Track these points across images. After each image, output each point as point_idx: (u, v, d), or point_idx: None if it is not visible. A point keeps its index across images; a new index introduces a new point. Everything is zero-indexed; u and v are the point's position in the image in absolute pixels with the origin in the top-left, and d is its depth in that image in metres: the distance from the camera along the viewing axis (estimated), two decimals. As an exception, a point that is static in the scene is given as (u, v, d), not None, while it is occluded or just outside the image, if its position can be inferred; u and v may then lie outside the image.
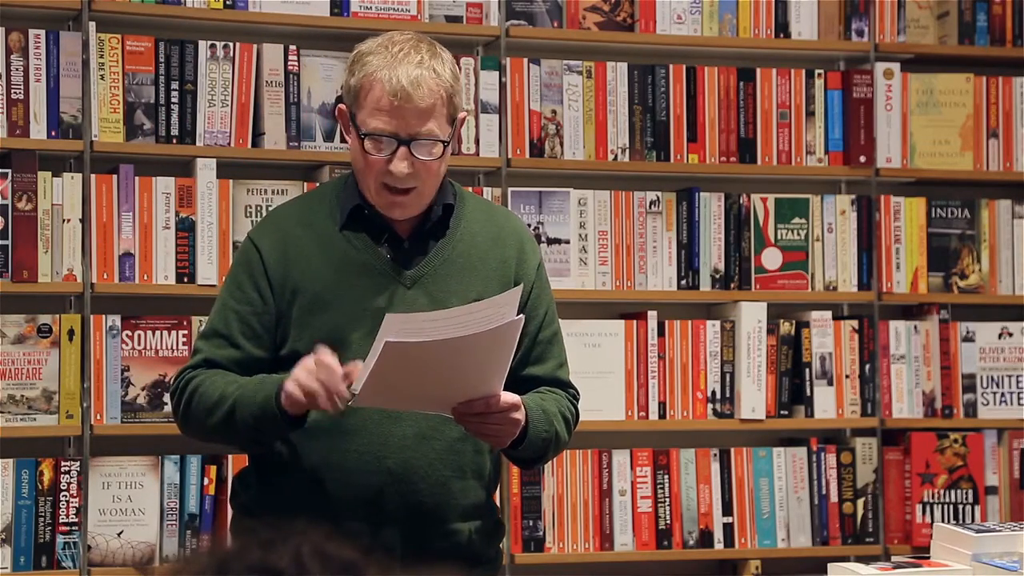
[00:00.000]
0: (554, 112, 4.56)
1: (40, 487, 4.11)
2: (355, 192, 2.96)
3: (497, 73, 4.51)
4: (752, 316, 4.63)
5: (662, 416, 4.57)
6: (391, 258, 2.94)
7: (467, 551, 2.94)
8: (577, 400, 3.07)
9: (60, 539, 4.11)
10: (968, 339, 4.82)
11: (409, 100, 2.84)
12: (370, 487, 2.89)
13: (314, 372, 2.74)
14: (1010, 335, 4.84)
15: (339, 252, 2.94)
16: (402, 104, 2.85)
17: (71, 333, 4.14)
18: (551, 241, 4.52)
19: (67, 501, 4.12)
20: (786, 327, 4.68)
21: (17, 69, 4.16)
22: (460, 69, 4.44)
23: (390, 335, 2.65)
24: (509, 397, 2.80)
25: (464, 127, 4.43)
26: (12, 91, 4.15)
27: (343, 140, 4.39)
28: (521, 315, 2.72)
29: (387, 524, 2.86)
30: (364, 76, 2.88)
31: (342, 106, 2.96)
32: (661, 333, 4.58)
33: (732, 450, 4.64)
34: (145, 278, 4.19)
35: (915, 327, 4.79)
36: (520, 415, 2.82)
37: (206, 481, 4.18)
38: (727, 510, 4.61)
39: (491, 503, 3.04)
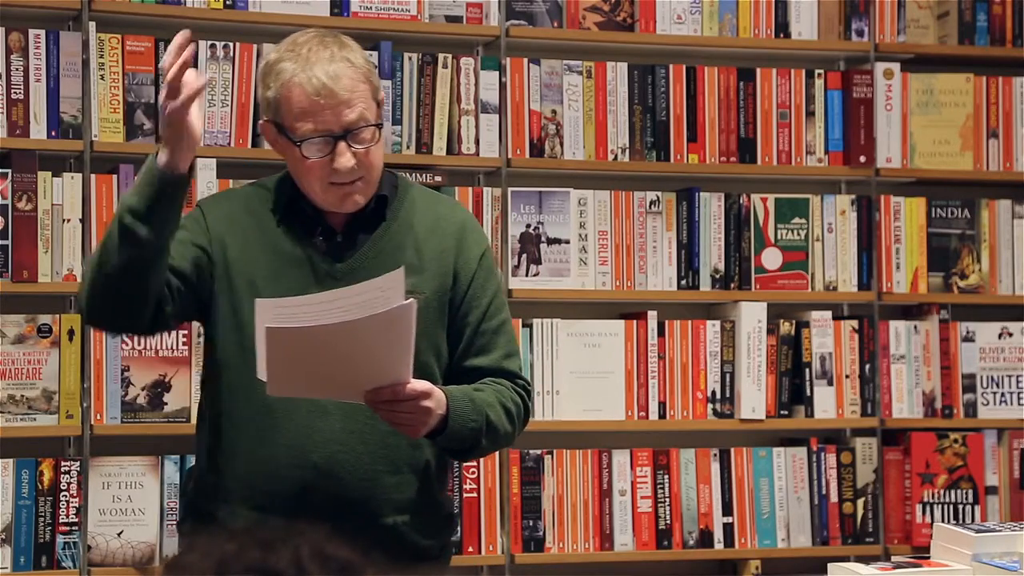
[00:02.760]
0: (554, 112, 4.56)
1: (40, 487, 4.11)
2: (291, 186, 2.96)
3: (497, 73, 4.51)
4: (752, 316, 4.63)
5: (662, 416, 4.57)
6: (325, 251, 2.94)
7: (398, 544, 2.91)
8: (528, 392, 3.03)
9: (60, 539, 4.11)
10: (968, 339, 4.82)
11: (333, 95, 2.84)
12: (297, 481, 2.88)
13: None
14: (1010, 335, 4.84)
15: (276, 244, 2.94)
16: (327, 101, 2.85)
17: (71, 333, 4.14)
18: (551, 241, 4.52)
19: (67, 501, 4.12)
20: (786, 327, 4.68)
21: (17, 69, 4.16)
22: (460, 69, 4.48)
23: (267, 320, 2.64)
24: (419, 385, 2.76)
25: (464, 127, 4.47)
26: (12, 91, 4.15)
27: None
28: (411, 300, 2.67)
29: (315, 519, 2.84)
30: (281, 85, 2.87)
31: (264, 120, 2.94)
32: (661, 333, 4.58)
33: (732, 450, 4.64)
34: (145, 278, 4.19)
35: (915, 327, 4.80)
36: (432, 403, 2.78)
37: (206, 481, 4.18)
38: (727, 510, 4.61)
39: (434, 497, 3.00)
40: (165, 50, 4.22)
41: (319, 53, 2.87)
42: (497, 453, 4.45)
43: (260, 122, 2.99)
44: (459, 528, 4.40)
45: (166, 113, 2.73)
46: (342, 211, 2.93)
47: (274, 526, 1.51)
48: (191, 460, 4.19)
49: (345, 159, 2.86)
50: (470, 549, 4.41)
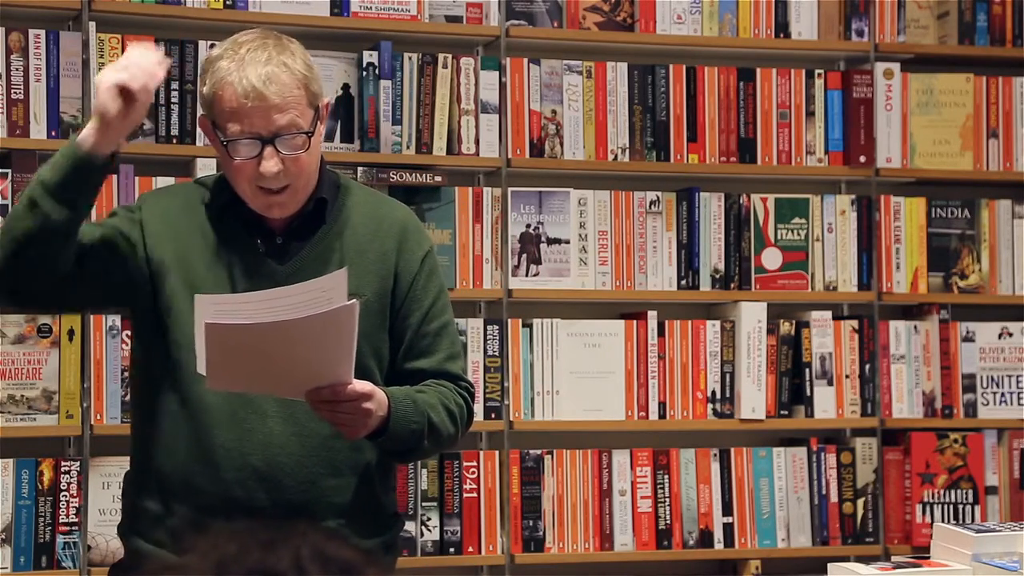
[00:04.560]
0: (554, 112, 4.56)
1: (40, 487, 4.11)
2: (229, 188, 2.93)
3: (497, 73, 4.51)
4: (752, 316, 4.63)
5: (662, 416, 4.57)
6: (264, 254, 2.92)
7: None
8: (471, 394, 3.00)
9: (60, 539, 4.11)
10: (968, 339, 4.82)
11: (263, 98, 2.81)
12: (235, 484, 2.86)
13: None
14: (1010, 335, 4.84)
15: (214, 245, 2.91)
16: (255, 104, 2.81)
17: (71, 333, 4.14)
18: (551, 241, 4.52)
19: (67, 501, 4.12)
20: (786, 327, 4.68)
21: (17, 69, 4.16)
22: (460, 69, 4.48)
23: (207, 316, 2.62)
24: (360, 386, 2.74)
25: (464, 127, 4.47)
26: (12, 91, 4.15)
27: (345, 140, 4.40)
28: (354, 300, 2.65)
29: (253, 521, 2.79)
30: (215, 83, 2.84)
31: (202, 117, 2.92)
32: (661, 333, 4.58)
33: (732, 450, 4.64)
34: (145, 278, 4.18)
35: (915, 327, 4.80)
36: (372, 405, 2.75)
37: (206, 481, 4.18)
38: (727, 510, 4.61)
39: (377, 499, 2.97)
40: (165, 51, 4.25)
41: (256, 55, 2.83)
42: (496, 453, 4.45)
43: (199, 116, 2.96)
44: (459, 528, 4.40)
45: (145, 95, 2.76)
46: (269, 216, 2.90)
47: (274, 527, 1.50)
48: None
49: (271, 164, 2.82)
50: (470, 549, 4.42)
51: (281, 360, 2.68)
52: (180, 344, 2.85)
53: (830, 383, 4.71)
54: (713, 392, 4.62)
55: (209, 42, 4.29)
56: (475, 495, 4.43)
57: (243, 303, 2.67)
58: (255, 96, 2.81)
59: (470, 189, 4.47)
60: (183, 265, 2.89)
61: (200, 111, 2.95)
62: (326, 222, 2.94)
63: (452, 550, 4.40)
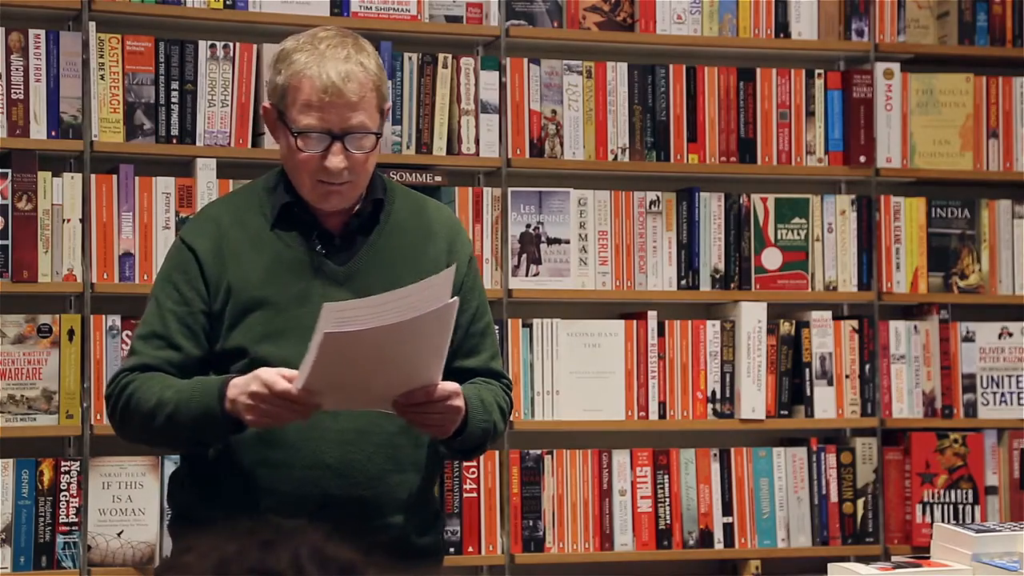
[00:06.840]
0: (554, 112, 4.56)
1: (40, 487, 4.11)
2: (285, 189, 2.97)
3: (497, 73, 4.51)
4: (752, 316, 4.63)
5: (662, 416, 4.57)
6: (323, 255, 2.95)
7: (399, 542, 2.92)
8: (510, 390, 3.07)
9: (60, 539, 4.11)
10: (968, 339, 4.82)
11: (340, 95, 2.85)
12: (310, 482, 2.89)
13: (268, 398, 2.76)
14: (1010, 335, 4.84)
15: (272, 250, 2.95)
16: (333, 99, 2.85)
17: (71, 333, 4.14)
18: (551, 241, 4.52)
19: (67, 501, 4.12)
20: (786, 327, 4.68)
21: (17, 69, 4.16)
22: (460, 69, 4.48)
23: (329, 326, 2.64)
24: (448, 385, 2.79)
25: (464, 127, 4.47)
26: (12, 91, 4.15)
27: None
28: (456, 298, 2.71)
29: (323, 519, 2.82)
30: (292, 74, 2.88)
31: (267, 105, 2.96)
32: (661, 333, 4.58)
33: (732, 450, 4.64)
34: (145, 278, 4.19)
35: (915, 327, 4.79)
36: (460, 402, 2.81)
37: (206, 481, 4.17)
38: (727, 510, 4.61)
39: (428, 495, 3.03)
40: (165, 51, 4.24)
41: (335, 51, 2.88)
42: (496, 453, 4.45)
43: (263, 105, 3.00)
44: (460, 528, 4.40)
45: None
46: (324, 208, 2.94)
47: (273, 526, 1.50)
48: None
49: (337, 160, 2.87)
50: (470, 549, 4.42)
51: (380, 365, 2.71)
52: (251, 358, 2.88)
53: (830, 383, 4.70)
54: (713, 392, 4.62)
55: (209, 42, 4.29)
56: (475, 495, 4.43)
57: (367, 307, 2.68)
58: (334, 92, 2.85)
59: (470, 189, 4.47)
60: (248, 284, 2.93)
61: (266, 100, 2.98)
62: (380, 222, 2.98)
63: (452, 550, 4.40)
